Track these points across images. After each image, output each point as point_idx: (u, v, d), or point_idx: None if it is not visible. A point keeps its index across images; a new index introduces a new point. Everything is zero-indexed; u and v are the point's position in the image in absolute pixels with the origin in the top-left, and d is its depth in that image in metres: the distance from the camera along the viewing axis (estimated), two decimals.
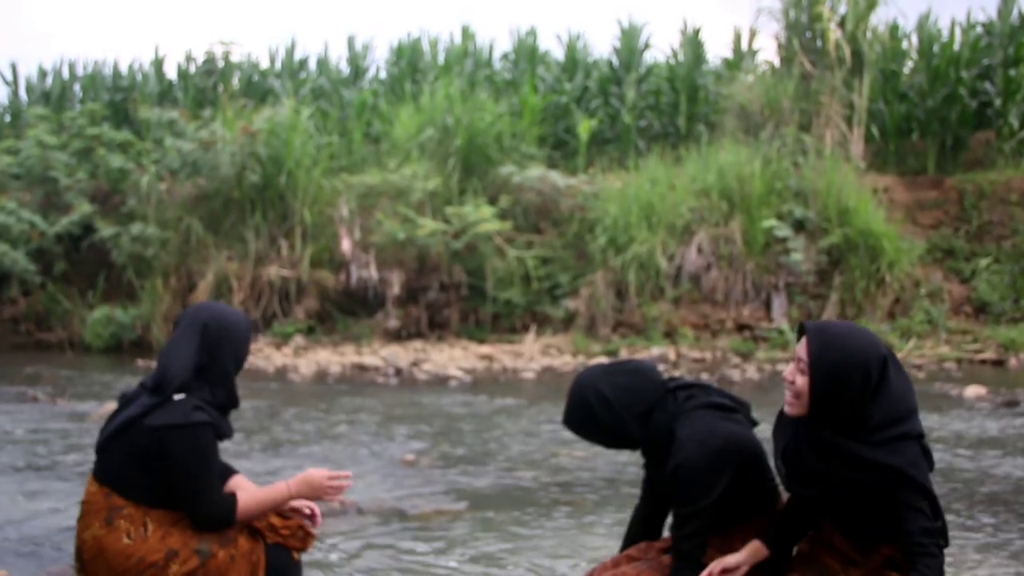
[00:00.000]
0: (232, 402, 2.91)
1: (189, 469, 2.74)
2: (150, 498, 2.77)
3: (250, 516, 2.85)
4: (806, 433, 2.54)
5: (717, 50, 43.97)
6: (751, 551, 2.66)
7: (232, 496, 2.84)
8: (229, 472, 3.04)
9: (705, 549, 2.69)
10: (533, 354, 13.23)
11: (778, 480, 2.77)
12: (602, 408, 2.76)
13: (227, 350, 2.86)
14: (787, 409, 2.58)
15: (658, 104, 18.10)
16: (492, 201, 14.61)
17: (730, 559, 2.65)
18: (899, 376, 2.52)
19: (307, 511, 2.98)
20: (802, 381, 2.50)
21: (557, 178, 14.79)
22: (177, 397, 2.77)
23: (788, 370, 2.56)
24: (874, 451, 2.44)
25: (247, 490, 2.97)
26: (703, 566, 2.68)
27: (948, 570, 3.77)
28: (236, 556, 2.77)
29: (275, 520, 2.91)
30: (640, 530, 2.99)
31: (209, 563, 2.74)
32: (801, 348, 2.53)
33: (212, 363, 2.84)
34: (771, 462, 2.83)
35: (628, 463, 6.54)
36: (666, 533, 2.90)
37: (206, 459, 2.77)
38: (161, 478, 2.76)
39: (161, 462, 2.75)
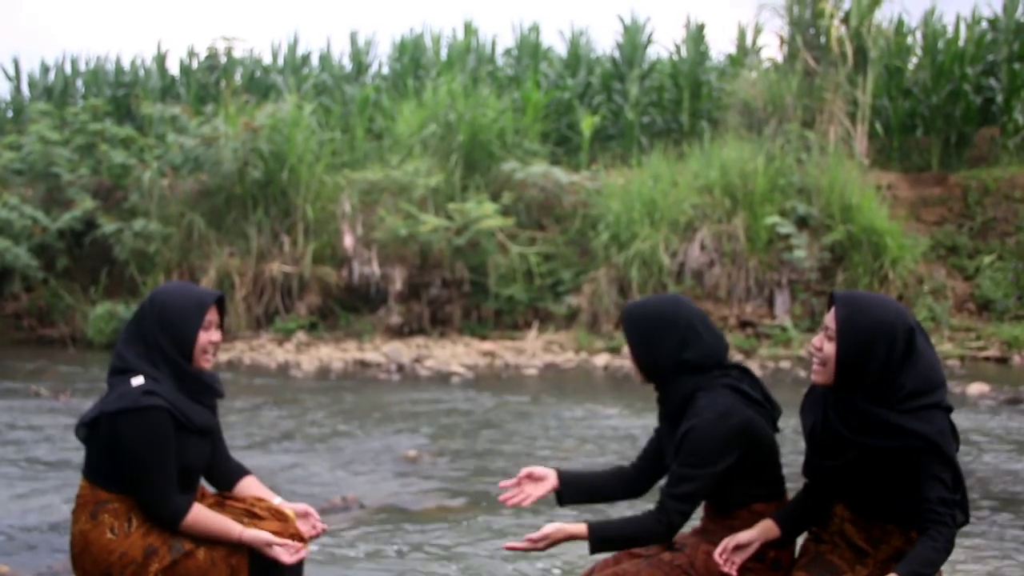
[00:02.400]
0: (189, 387, 2.77)
1: (137, 455, 2.65)
2: (129, 489, 2.72)
3: (196, 533, 2.73)
4: (835, 402, 2.56)
5: (720, 46, 43.91)
6: (762, 529, 2.67)
7: (189, 503, 2.74)
8: (241, 472, 2.99)
9: (686, 520, 2.68)
10: (535, 351, 13.22)
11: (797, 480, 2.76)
12: (669, 326, 2.74)
13: (158, 330, 2.74)
14: (813, 377, 2.61)
15: (661, 100, 18.06)
16: (495, 197, 14.58)
17: (743, 536, 2.65)
18: (927, 348, 2.56)
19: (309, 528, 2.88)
20: (829, 348, 2.54)
21: (560, 174, 14.76)
22: (135, 381, 2.69)
23: (816, 339, 2.60)
24: (903, 418, 2.47)
25: (256, 493, 2.92)
26: (672, 535, 2.68)
27: (953, 569, 3.75)
28: (216, 558, 2.72)
29: (272, 526, 2.82)
30: (612, 481, 2.95)
31: (188, 562, 2.69)
32: (830, 317, 2.57)
33: (153, 346, 2.74)
34: (781, 460, 2.83)
35: (628, 459, 6.53)
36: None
37: (156, 446, 2.65)
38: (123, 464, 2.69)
39: (118, 449, 2.68)
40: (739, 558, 2.64)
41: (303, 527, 2.86)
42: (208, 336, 2.82)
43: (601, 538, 2.69)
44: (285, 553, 2.75)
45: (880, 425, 2.48)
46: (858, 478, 2.56)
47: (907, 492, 2.50)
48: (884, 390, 2.49)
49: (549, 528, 2.70)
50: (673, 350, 2.73)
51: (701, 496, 2.70)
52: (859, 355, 2.49)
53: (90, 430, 2.76)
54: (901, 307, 2.59)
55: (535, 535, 2.70)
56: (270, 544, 2.75)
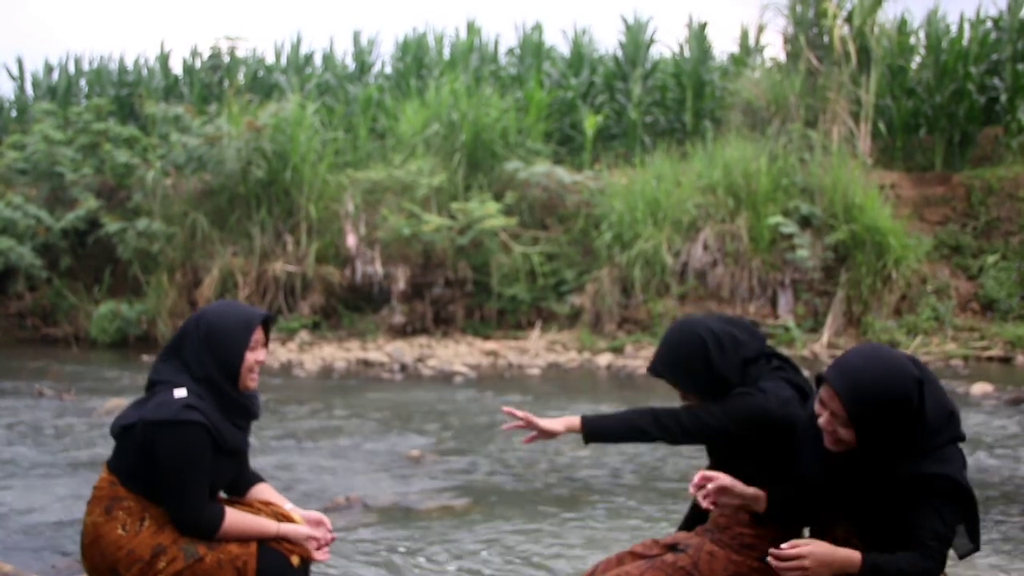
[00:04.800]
0: (228, 408, 2.80)
1: (172, 468, 2.68)
2: (150, 492, 2.75)
3: (232, 537, 2.77)
4: (857, 468, 2.49)
5: (723, 45, 43.72)
6: (754, 495, 2.57)
7: (221, 510, 2.78)
8: (255, 479, 3.01)
9: (682, 432, 2.67)
10: (538, 350, 13.22)
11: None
12: (714, 346, 2.75)
13: (204, 350, 2.78)
14: (831, 447, 2.50)
15: (664, 100, 18.05)
16: (498, 197, 14.58)
17: (732, 484, 2.55)
18: (934, 385, 2.48)
19: (315, 544, 2.90)
20: (846, 433, 2.45)
21: (563, 174, 14.76)
22: (178, 393, 2.72)
23: (824, 420, 2.48)
24: (927, 463, 2.42)
25: (270, 499, 2.95)
26: (659, 428, 2.69)
27: (956, 570, 3.75)
28: (223, 560, 2.74)
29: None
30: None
31: (196, 566, 2.71)
32: (831, 399, 2.46)
33: (197, 365, 2.77)
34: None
35: (630, 459, 6.53)
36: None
37: (192, 460, 2.69)
38: (156, 473, 2.73)
39: (152, 457, 2.71)
40: (714, 497, 2.55)
41: (316, 534, 2.88)
42: (255, 356, 2.85)
43: (594, 431, 2.75)
44: (318, 551, 2.86)
45: (906, 480, 2.43)
46: (869, 513, 2.53)
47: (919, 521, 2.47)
48: (907, 443, 2.44)
49: (543, 422, 2.79)
50: (724, 369, 2.74)
51: (706, 434, 2.68)
52: (880, 432, 2.41)
53: (125, 431, 2.78)
54: (897, 359, 2.45)
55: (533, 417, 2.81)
56: (309, 539, 2.85)
